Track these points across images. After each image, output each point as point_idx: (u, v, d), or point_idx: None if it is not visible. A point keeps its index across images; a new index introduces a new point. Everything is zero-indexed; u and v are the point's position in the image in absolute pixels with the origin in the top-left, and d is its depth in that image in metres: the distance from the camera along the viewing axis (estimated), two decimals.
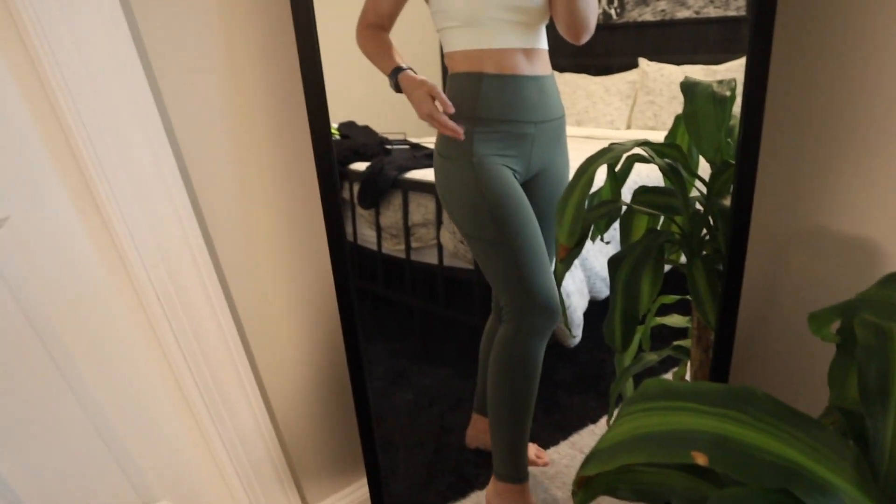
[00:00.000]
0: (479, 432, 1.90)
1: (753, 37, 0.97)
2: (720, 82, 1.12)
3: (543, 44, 1.41)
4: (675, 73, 2.07)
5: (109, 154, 1.10)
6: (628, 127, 2.15)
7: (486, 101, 1.38)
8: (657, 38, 2.14)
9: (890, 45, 1.04)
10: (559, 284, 1.25)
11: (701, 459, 0.57)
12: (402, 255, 2.01)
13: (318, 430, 1.63)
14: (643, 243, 1.18)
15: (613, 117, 2.17)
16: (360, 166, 1.95)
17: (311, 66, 1.11)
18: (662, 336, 1.66)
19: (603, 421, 2.02)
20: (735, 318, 1.12)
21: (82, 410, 1.28)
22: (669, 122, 2.04)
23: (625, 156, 1.19)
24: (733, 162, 1.14)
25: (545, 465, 1.84)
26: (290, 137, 1.32)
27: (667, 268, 1.32)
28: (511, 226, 1.40)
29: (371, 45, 1.41)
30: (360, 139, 2.03)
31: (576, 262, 1.93)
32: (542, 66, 1.40)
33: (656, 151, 1.19)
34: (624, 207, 1.27)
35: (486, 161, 1.40)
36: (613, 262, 1.20)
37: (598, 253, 1.86)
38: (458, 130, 1.32)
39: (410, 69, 1.37)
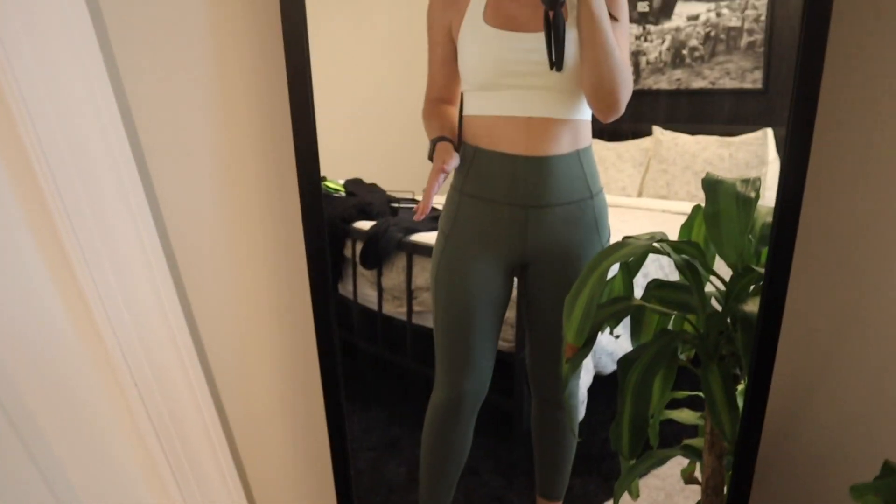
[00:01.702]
0: None
1: (790, 142, 0.91)
2: (745, 181, 1.06)
3: (572, 113, 1.32)
4: (688, 143, 2.03)
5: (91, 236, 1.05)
6: (640, 194, 2.12)
7: (473, 178, 1.35)
8: (672, 107, 2.12)
9: None
10: (564, 386, 1.19)
11: None
12: (404, 318, 1.95)
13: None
14: (656, 345, 1.11)
15: (625, 184, 2.14)
16: (365, 225, 1.91)
17: (305, 142, 1.05)
18: (671, 430, 1.58)
19: None
20: (758, 439, 1.04)
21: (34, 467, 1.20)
22: (682, 192, 2.02)
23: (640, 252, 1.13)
24: (755, 268, 1.08)
25: None
26: (280, 213, 1.27)
27: None
28: (443, 311, 1.46)
29: (428, 114, 1.40)
30: (367, 197, 1.99)
31: None
32: (557, 142, 1.32)
33: (673, 248, 1.13)
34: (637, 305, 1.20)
35: (453, 242, 1.40)
36: (624, 364, 1.13)
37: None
38: (421, 211, 1.26)
39: (450, 141, 1.33)
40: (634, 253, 1.07)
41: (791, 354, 1.18)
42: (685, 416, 1.44)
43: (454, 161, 1.29)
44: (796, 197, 0.92)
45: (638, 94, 2.11)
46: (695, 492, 1.96)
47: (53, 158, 0.99)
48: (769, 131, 1.81)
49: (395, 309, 2.02)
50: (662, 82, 2.08)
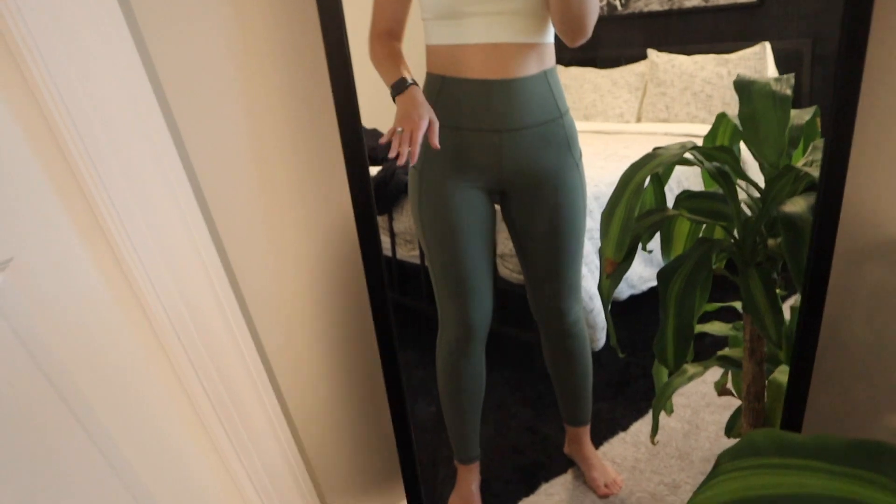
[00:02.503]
0: (569, 442, 1.91)
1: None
2: (777, 80, 1.04)
3: (536, 36, 1.29)
4: (685, 63, 2.00)
5: (116, 181, 1.02)
6: (638, 120, 2.10)
7: (443, 107, 1.30)
8: (665, 28, 2.08)
9: None
10: (607, 302, 1.17)
11: None
12: (417, 261, 1.94)
13: (347, 453, 1.56)
14: (695, 255, 1.10)
15: (623, 110, 2.12)
16: (372, 170, 1.88)
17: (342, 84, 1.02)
18: (702, 344, 1.59)
19: (633, 428, 1.95)
20: (816, 341, 1.03)
21: (106, 462, 1.19)
22: (682, 114, 1.99)
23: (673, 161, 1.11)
24: (797, 166, 1.06)
25: (612, 494, 1.80)
26: (318, 159, 1.25)
27: None
28: (432, 246, 1.45)
29: (380, 53, 1.32)
30: (370, 143, 1.96)
31: (596, 262, 1.86)
32: (525, 65, 1.29)
33: (705, 155, 1.11)
34: (671, 215, 1.19)
35: (431, 173, 1.38)
36: (664, 276, 1.11)
37: None
38: (403, 156, 1.17)
39: (416, 85, 1.27)
40: (667, 163, 1.04)
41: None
42: (717, 328, 1.44)
43: (431, 112, 1.23)
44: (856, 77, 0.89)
45: (629, 18, 2.08)
46: (721, 406, 1.98)
47: (79, 119, 0.96)
48: (767, 45, 1.78)
49: (407, 253, 2.01)
50: (654, 4, 2.04)
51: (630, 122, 2.11)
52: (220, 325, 1.18)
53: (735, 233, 1.16)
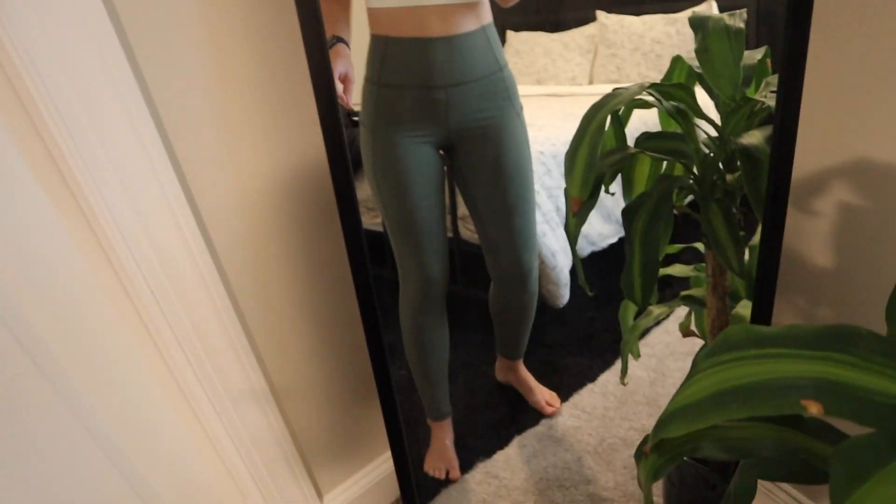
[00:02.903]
0: (503, 370, 2.03)
1: None
2: (731, 14, 1.07)
3: None
4: (634, 24, 2.03)
5: (83, 130, 1.01)
6: (591, 82, 2.11)
7: (389, 67, 1.35)
8: None
9: None
10: (574, 241, 1.20)
11: (814, 408, 0.52)
12: (380, 229, 1.95)
13: (327, 414, 1.58)
14: (658, 191, 1.13)
15: (575, 73, 2.13)
16: None
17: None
18: (666, 290, 1.63)
19: (601, 378, 2.00)
20: (776, 271, 1.07)
21: (79, 424, 1.19)
22: (633, 74, 2.02)
23: (631, 100, 1.13)
24: (751, 97, 1.09)
25: (555, 412, 1.93)
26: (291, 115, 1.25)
27: None
28: (385, 199, 1.48)
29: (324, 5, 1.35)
30: None
31: (558, 219, 1.89)
32: (463, 21, 1.33)
33: (663, 94, 1.14)
34: (634, 155, 1.21)
35: (380, 131, 1.41)
36: (628, 213, 1.14)
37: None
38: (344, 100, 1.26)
39: (343, 42, 1.32)
40: (626, 101, 1.07)
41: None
42: (679, 269, 1.47)
43: (352, 72, 1.30)
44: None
45: None
46: (684, 353, 2.04)
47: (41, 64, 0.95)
48: (713, 2, 1.81)
49: (371, 220, 2.02)
50: None
51: (583, 85, 2.12)
52: (189, 269, 1.18)
53: (695, 170, 1.19)
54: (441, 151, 1.50)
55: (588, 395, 1.95)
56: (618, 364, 2.04)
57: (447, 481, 1.77)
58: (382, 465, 1.76)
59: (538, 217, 1.69)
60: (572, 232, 1.16)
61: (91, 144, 1.02)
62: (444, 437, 1.81)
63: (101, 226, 1.07)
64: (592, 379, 2.01)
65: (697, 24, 1.08)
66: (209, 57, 1.14)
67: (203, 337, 1.23)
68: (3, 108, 0.98)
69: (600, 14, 2.07)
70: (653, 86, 1.11)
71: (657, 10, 1.99)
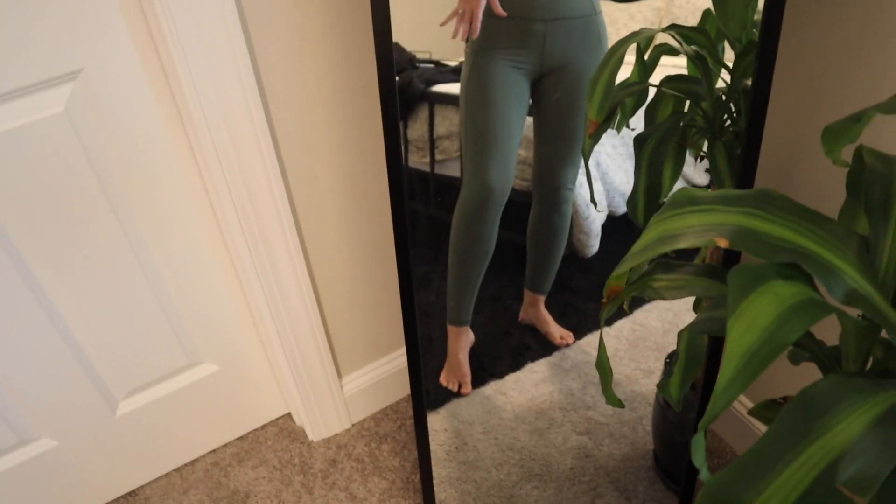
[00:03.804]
0: (526, 307, 2.12)
1: None
2: None
3: None
4: (700, 1, 2.11)
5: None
6: None
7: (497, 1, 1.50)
8: None
9: None
10: (586, 159, 1.34)
11: (723, 243, 0.66)
12: (427, 168, 2.09)
13: (355, 302, 1.74)
14: (667, 123, 1.25)
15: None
16: None
17: None
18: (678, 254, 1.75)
19: (617, 324, 2.12)
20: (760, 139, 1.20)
21: (139, 266, 1.37)
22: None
23: (654, 39, 1.26)
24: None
25: (567, 344, 2.06)
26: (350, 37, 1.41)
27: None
28: (471, 108, 1.64)
29: None
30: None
31: (596, 174, 2.01)
32: None
33: (683, 37, 1.26)
34: (651, 91, 1.34)
35: (481, 54, 1.56)
36: (639, 141, 1.27)
37: (617, 169, 1.94)
38: (465, 31, 1.45)
39: None
40: (649, 37, 1.20)
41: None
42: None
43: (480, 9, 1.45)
44: None
45: None
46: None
47: None
48: None
49: (419, 160, 2.15)
50: None
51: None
52: (255, 157, 1.34)
53: (707, 111, 1.31)
54: (532, 80, 1.64)
55: (604, 338, 2.07)
56: (636, 313, 2.16)
57: (458, 394, 1.92)
58: (398, 359, 1.92)
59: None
60: (587, 152, 1.30)
61: (195, 55, 1.20)
62: (459, 347, 1.96)
63: (180, 82, 1.24)
64: (609, 324, 2.12)
65: None
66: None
67: (254, 201, 1.40)
68: None
69: None
70: (672, 26, 1.23)
71: None
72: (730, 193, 0.72)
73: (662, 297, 0.81)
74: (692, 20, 2.16)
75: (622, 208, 2.06)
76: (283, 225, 1.46)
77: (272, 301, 1.50)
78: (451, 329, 1.99)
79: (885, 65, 1.19)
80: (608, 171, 1.95)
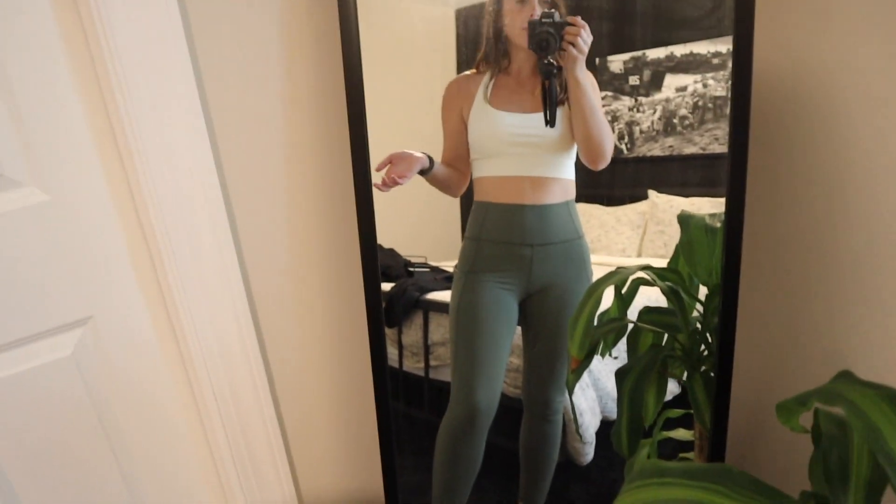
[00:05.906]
0: None
1: (731, 174, 1.15)
2: (712, 215, 1.29)
3: (560, 173, 1.61)
4: (683, 205, 2.20)
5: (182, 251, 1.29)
6: (639, 255, 2.26)
7: (489, 226, 1.62)
8: (666, 172, 2.28)
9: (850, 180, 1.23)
10: (570, 393, 1.39)
11: None
12: (422, 373, 2.12)
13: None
14: (646, 357, 1.32)
15: (625, 245, 2.29)
16: (385, 286, 2.09)
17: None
18: (670, 449, 1.75)
19: None
20: (727, 404, 1.24)
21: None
22: None
23: (630, 279, 1.34)
24: None
25: None
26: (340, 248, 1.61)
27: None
28: (460, 328, 1.69)
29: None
30: (386, 261, 2.19)
31: (588, 381, 2.05)
32: (551, 194, 1.60)
33: (658, 275, 1.34)
34: (630, 325, 1.41)
35: (472, 275, 1.65)
36: (620, 374, 1.33)
37: (609, 374, 1.98)
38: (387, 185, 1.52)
39: (431, 166, 1.60)
40: (625, 278, 1.28)
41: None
42: (680, 434, 1.62)
43: (411, 172, 1.56)
44: (738, 219, 1.14)
45: (633, 161, 2.29)
46: None
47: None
48: None
49: (413, 365, 2.19)
50: (656, 149, 2.23)
51: (631, 257, 2.28)
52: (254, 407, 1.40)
53: (684, 342, 1.38)
54: (519, 299, 1.71)
55: None
56: None
57: None
58: None
59: None
60: (571, 385, 1.35)
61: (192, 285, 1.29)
62: None
63: (188, 343, 1.32)
64: None
65: (683, 220, 1.31)
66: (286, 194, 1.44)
67: (250, 447, 1.43)
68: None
69: (652, 193, 2.25)
70: (648, 267, 1.32)
71: (705, 193, 2.16)
72: (692, 468, 0.76)
73: None
74: (675, 223, 2.22)
75: (616, 413, 2.08)
76: (281, 482, 1.49)
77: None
78: None
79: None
80: (600, 378, 1.99)
